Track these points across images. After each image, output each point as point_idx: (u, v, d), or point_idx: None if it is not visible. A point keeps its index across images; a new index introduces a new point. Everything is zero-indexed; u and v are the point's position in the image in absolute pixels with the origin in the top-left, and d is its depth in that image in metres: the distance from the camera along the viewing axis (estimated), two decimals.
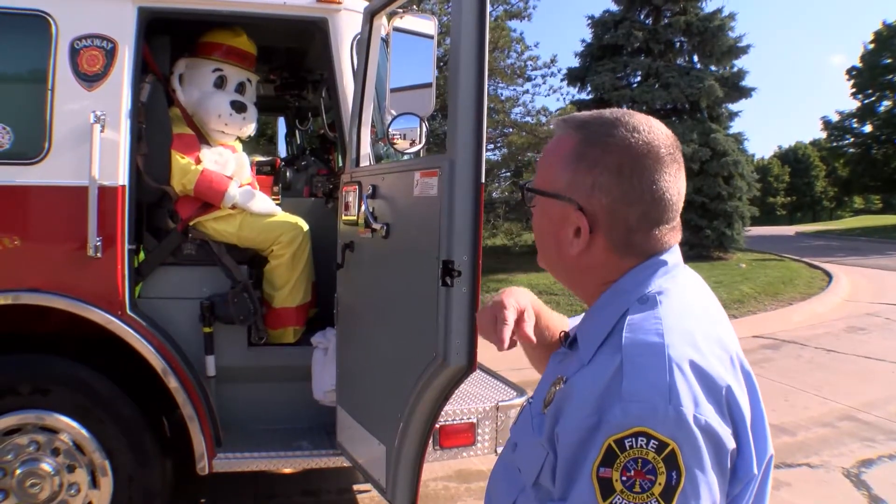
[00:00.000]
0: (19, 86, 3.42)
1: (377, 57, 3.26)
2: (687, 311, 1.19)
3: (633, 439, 1.00)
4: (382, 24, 3.28)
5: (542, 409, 1.22)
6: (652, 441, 1.00)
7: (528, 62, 17.65)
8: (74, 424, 3.23)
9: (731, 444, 1.06)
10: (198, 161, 3.67)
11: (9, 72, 3.43)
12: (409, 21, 3.13)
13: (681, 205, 1.25)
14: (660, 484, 0.99)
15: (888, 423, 5.80)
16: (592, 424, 1.04)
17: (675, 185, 1.23)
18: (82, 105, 3.21)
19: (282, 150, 6.96)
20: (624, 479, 1.00)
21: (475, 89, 2.36)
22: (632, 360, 1.07)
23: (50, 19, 3.21)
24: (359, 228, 3.08)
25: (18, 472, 3.20)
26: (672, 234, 1.26)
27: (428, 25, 3.18)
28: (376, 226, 2.83)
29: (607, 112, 1.26)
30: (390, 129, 2.88)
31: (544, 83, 18.20)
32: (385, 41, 3.42)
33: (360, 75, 3.24)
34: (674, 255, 1.27)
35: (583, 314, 1.36)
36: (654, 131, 1.23)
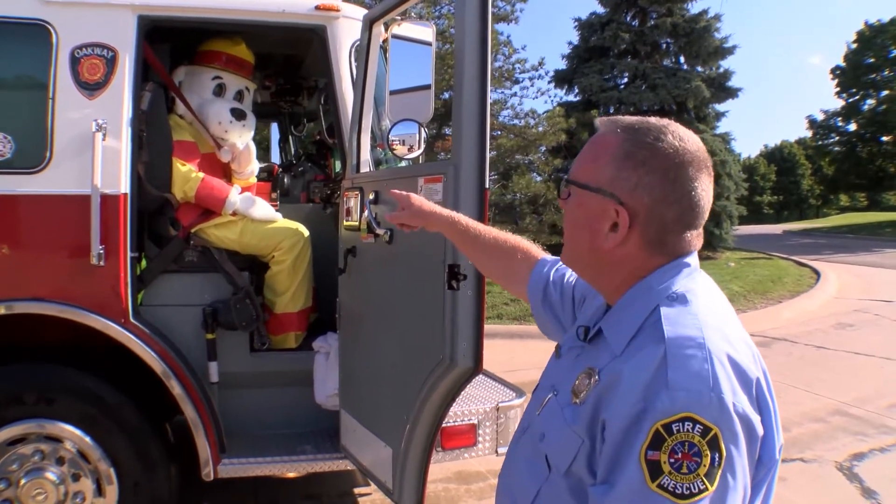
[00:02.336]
0: (20, 95, 3.43)
1: (376, 63, 3.30)
2: (714, 310, 1.27)
3: (681, 424, 1.07)
4: (381, 32, 3.31)
5: (573, 399, 1.28)
6: (697, 426, 1.07)
7: (516, 65, 17.60)
8: (79, 433, 3.23)
9: (760, 430, 1.14)
10: (198, 167, 3.69)
11: (9, 81, 3.45)
12: (408, 28, 3.16)
13: (707, 213, 1.34)
14: (704, 465, 1.06)
15: (878, 417, 5.89)
16: (639, 411, 1.10)
17: (708, 193, 1.32)
18: (83, 113, 3.22)
19: (275, 156, 6.98)
20: (672, 461, 1.06)
21: (479, 96, 2.40)
22: (675, 351, 1.14)
23: (50, 28, 3.22)
24: (361, 234, 3.10)
25: (23, 481, 3.20)
26: (697, 240, 1.34)
27: (426, 32, 3.20)
28: (380, 231, 2.86)
29: (653, 119, 1.33)
30: (390, 135, 2.91)
31: (532, 86, 18.16)
32: (383, 48, 3.46)
33: (360, 82, 3.28)
34: (695, 259, 1.35)
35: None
36: (697, 143, 1.32)
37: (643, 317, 1.26)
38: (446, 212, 1.94)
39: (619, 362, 1.22)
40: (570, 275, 1.75)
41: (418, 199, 1.96)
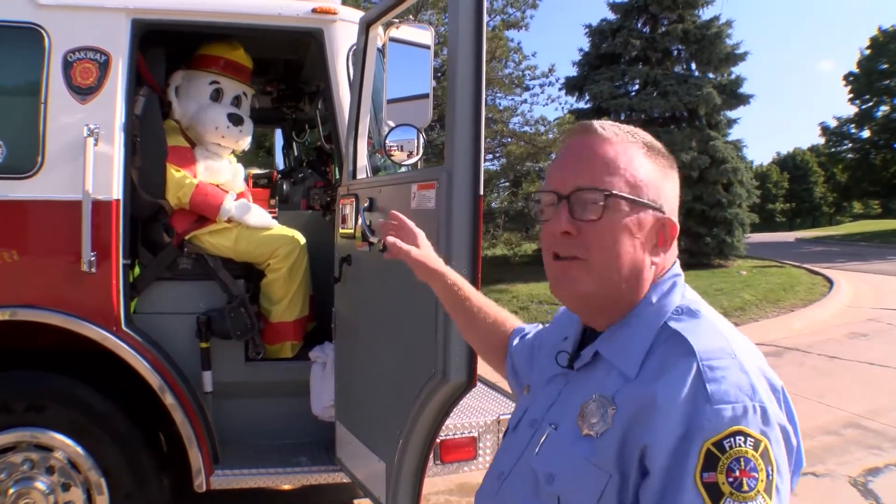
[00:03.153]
0: (12, 99, 3.39)
1: (373, 67, 3.24)
2: (723, 320, 1.24)
3: (732, 439, 1.02)
4: (378, 35, 3.25)
5: (583, 432, 1.19)
6: (749, 439, 1.03)
7: (526, 72, 17.64)
8: (70, 442, 3.18)
9: (794, 441, 1.12)
10: (194, 173, 3.63)
11: (1, 85, 3.40)
12: (406, 31, 3.09)
13: None
14: (762, 480, 1.02)
15: (894, 430, 5.74)
16: (685, 431, 1.05)
17: None
18: (76, 118, 3.18)
19: (280, 162, 6.94)
20: (730, 480, 1.01)
21: (472, 101, 2.33)
22: (710, 364, 1.09)
23: (43, 32, 3.18)
24: (356, 242, 3.04)
25: (11, 491, 3.16)
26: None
27: (424, 35, 3.14)
28: (373, 239, 2.79)
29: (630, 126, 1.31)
30: (387, 141, 2.85)
31: (542, 93, 18.15)
32: (381, 52, 3.40)
33: (357, 86, 3.22)
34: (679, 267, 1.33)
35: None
36: None
37: (652, 333, 1.21)
38: (445, 269, 1.78)
39: (640, 385, 1.15)
40: (529, 335, 1.70)
41: (425, 248, 1.80)
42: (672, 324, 1.19)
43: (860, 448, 5.36)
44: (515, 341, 1.73)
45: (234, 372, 3.71)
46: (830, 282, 14.73)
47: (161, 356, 3.30)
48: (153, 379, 3.23)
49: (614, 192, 1.21)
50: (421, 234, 1.82)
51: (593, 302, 1.28)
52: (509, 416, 3.35)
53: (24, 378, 3.23)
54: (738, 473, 1.01)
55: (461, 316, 1.79)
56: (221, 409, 3.63)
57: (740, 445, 1.02)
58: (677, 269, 1.30)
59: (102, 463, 3.21)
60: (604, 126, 1.28)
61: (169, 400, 3.24)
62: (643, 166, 1.25)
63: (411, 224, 1.83)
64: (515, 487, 1.31)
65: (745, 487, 1.00)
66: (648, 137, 1.29)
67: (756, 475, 1.01)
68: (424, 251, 1.78)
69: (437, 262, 1.77)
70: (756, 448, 1.02)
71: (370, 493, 2.99)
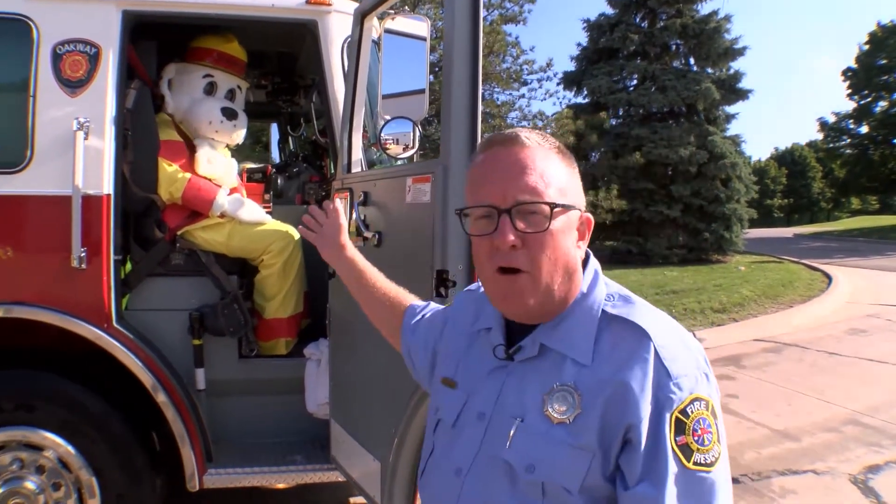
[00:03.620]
0: (0, 93, 3.32)
1: (368, 59, 3.18)
2: (647, 303, 1.40)
3: (692, 405, 1.24)
4: (374, 26, 3.20)
5: (555, 420, 1.29)
6: (701, 402, 1.25)
7: (524, 66, 17.63)
8: (60, 441, 3.12)
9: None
10: (186, 168, 3.58)
11: None
12: (402, 23, 3.04)
13: None
14: (714, 432, 1.25)
15: (894, 427, 5.69)
16: (657, 406, 1.23)
17: None
18: (65, 112, 3.11)
19: (276, 156, 6.88)
20: (696, 438, 1.22)
21: (469, 92, 2.29)
22: (663, 344, 1.27)
23: (31, 23, 3.12)
24: (350, 237, 2.98)
25: (1, 490, 3.10)
26: None
27: (421, 27, 3.08)
28: (368, 234, 2.75)
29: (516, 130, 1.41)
30: (382, 134, 2.80)
31: (540, 87, 18.27)
32: (377, 43, 3.34)
33: (351, 78, 3.16)
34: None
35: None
36: None
37: (595, 321, 1.34)
38: (355, 256, 2.01)
39: (599, 369, 1.29)
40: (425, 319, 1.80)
41: (342, 230, 2.05)
42: (610, 310, 1.34)
43: (860, 445, 5.31)
44: (409, 321, 1.84)
45: (228, 369, 3.66)
46: (829, 277, 14.69)
47: (153, 353, 3.26)
48: (145, 377, 3.18)
49: (557, 203, 1.31)
50: (343, 225, 2.07)
51: (540, 309, 1.35)
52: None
53: (14, 377, 3.17)
54: (700, 432, 1.22)
55: (362, 296, 1.98)
56: (215, 406, 3.59)
57: (698, 409, 1.23)
58: (592, 259, 1.44)
59: (94, 462, 3.16)
60: (527, 136, 1.36)
61: (161, 398, 3.19)
62: (562, 170, 1.36)
63: (339, 213, 2.07)
64: (484, 482, 1.36)
65: (706, 441, 1.23)
66: (554, 140, 1.41)
67: (710, 430, 1.24)
68: (333, 237, 2.04)
69: (346, 249, 2.02)
70: (707, 408, 1.25)
71: (365, 493, 2.94)
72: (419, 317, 1.82)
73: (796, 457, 5.05)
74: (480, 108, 2.31)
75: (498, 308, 1.42)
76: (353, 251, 2.02)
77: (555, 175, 1.33)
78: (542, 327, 1.37)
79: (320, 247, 2.07)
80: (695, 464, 1.21)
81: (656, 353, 1.24)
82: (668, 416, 1.21)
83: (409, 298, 1.93)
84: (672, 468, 1.20)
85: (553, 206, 1.30)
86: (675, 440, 1.21)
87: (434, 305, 1.85)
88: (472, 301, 1.62)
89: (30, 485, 3.12)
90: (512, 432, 1.32)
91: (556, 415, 1.29)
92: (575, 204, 1.35)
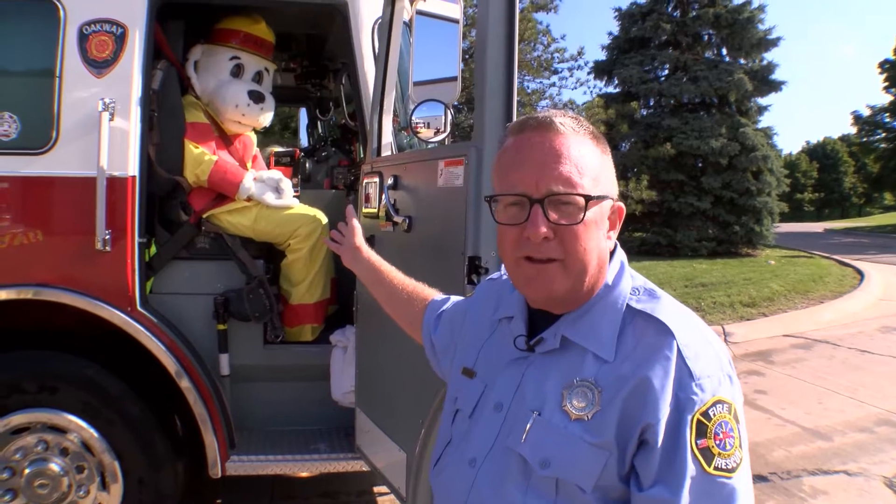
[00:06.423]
0: (26, 73, 3.29)
1: (399, 42, 3.11)
2: (673, 298, 1.35)
3: (714, 408, 1.19)
4: (405, 8, 3.12)
5: (572, 416, 1.26)
6: (724, 405, 1.20)
7: (555, 55, 17.51)
8: (83, 424, 3.12)
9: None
10: (213, 150, 3.53)
11: (15, 59, 3.29)
12: (434, 4, 2.97)
13: None
14: (737, 437, 1.21)
15: None
16: (677, 408, 1.18)
17: None
18: (91, 92, 3.09)
19: (304, 141, 6.82)
20: (717, 442, 1.18)
21: (504, 73, 2.21)
22: (687, 343, 1.23)
23: (58, 4, 3.10)
24: (380, 222, 2.93)
25: (27, 471, 3.12)
26: None
27: (454, 9, 3.01)
28: (398, 219, 2.68)
29: (550, 111, 1.36)
30: (413, 117, 2.72)
31: (571, 76, 18.13)
32: (408, 26, 3.26)
33: (382, 61, 3.09)
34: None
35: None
36: None
37: (619, 316, 1.30)
38: (371, 257, 2.10)
39: (621, 365, 1.25)
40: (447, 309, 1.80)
41: (355, 232, 2.15)
42: (634, 304, 1.30)
43: (894, 447, 5.17)
44: (431, 316, 1.83)
45: (252, 355, 3.63)
46: (861, 274, 14.37)
47: (177, 338, 3.23)
48: (168, 361, 3.16)
49: (592, 195, 1.26)
50: (357, 227, 2.18)
51: (565, 297, 1.32)
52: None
53: (36, 358, 3.17)
54: (721, 436, 1.18)
55: (381, 293, 2.02)
56: (238, 393, 3.57)
57: (721, 412, 1.19)
58: (619, 250, 1.39)
59: (116, 446, 3.16)
60: (562, 121, 1.30)
61: (184, 383, 3.17)
62: (596, 158, 1.31)
63: (354, 222, 2.20)
64: (498, 474, 1.33)
65: (728, 446, 1.19)
66: (588, 124, 1.34)
67: (733, 434, 1.20)
68: (348, 241, 2.16)
69: (361, 251, 2.12)
70: (730, 411, 1.21)
71: (390, 484, 2.90)
72: (440, 311, 1.81)
73: (827, 456, 4.92)
74: (516, 88, 2.23)
75: (522, 292, 1.39)
76: (368, 252, 2.10)
77: (589, 164, 1.28)
78: (565, 319, 1.34)
79: (341, 254, 2.16)
80: (715, 469, 1.17)
81: (679, 351, 1.21)
82: (689, 417, 1.18)
83: (428, 292, 1.93)
84: (690, 472, 1.16)
85: (588, 198, 1.26)
86: (696, 443, 1.17)
87: (455, 299, 1.84)
88: (495, 289, 1.60)
89: (54, 467, 3.13)
90: (528, 426, 1.30)
91: (574, 410, 1.26)
92: (608, 193, 1.31)
